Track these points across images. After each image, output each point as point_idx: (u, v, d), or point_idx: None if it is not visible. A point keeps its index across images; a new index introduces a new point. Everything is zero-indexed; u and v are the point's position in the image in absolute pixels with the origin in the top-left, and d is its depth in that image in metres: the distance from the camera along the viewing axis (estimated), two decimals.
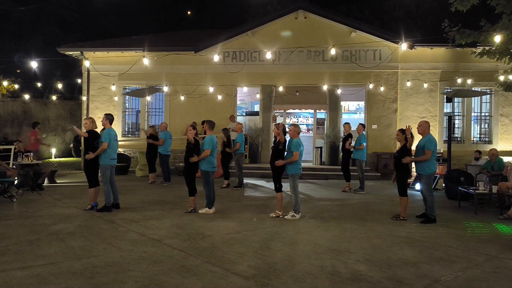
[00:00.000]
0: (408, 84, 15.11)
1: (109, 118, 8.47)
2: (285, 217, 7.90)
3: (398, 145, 8.30)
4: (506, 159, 13.00)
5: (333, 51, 12.48)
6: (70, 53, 16.70)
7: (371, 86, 15.30)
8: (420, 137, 8.03)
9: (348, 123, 11.66)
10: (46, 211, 8.37)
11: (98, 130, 8.62)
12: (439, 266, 5.24)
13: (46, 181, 12.10)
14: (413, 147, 8.10)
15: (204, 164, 8.19)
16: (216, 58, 13.74)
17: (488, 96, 15.43)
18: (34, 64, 10.40)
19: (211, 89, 15.51)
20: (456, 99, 15.67)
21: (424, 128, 7.95)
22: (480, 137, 15.84)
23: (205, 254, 5.63)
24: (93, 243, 6.09)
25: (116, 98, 16.31)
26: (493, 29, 10.70)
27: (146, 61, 13.96)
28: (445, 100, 15.41)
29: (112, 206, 8.34)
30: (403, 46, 12.94)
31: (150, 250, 5.75)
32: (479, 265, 5.31)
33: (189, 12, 35.66)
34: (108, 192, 8.23)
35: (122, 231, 6.79)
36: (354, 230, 7.07)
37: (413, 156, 8.18)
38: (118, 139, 15.63)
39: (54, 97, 18.31)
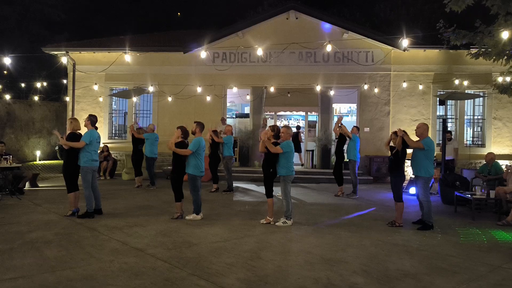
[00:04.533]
0: (404, 85, 14.85)
1: (91, 119, 8.07)
2: (276, 223, 7.55)
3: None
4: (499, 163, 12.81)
5: (329, 48, 12.09)
6: (55, 53, 16.21)
7: (363, 88, 15.05)
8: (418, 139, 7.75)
9: (343, 125, 11.29)
10: (24, 217, 7.92)
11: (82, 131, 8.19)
12: (441, 278, 4.91)
13: (27, 185, 11.61)
14: (409, 150, 7.79)
15: (191, 168, 7.79)
16: (205, 56, 13.34)
17: (481, 99, 15.27)
18: (7, 61, 9.91)
19: (200, 90, 15.14)
20: (449, 102, 15.50)
21: (422, 130, 7.66)
22: (473, 141, 15.66)
23: (191, 265, 5.25)
24: (70, 253, 5.67)
25: (101, 99, 15.85)
26: (489, 31, 10.48)
27: (133, 61, 13.59)
28: (437, 103, 15.23)
29: (94, 212, 7.91)
30: (401, 44, 12.66)
31: (131, 261, 5.35)
32: (483, 277, 4.99)
33: (178, 13, 35.32)
34: (89, 197, 7.80)
35: (103, 240, 6.37)
36: (348, 238, 6.73)
37: (409, 159, 7.90)
38: (108, 142, 15.46)
39: (36, 98, 17.74)
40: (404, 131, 7.67)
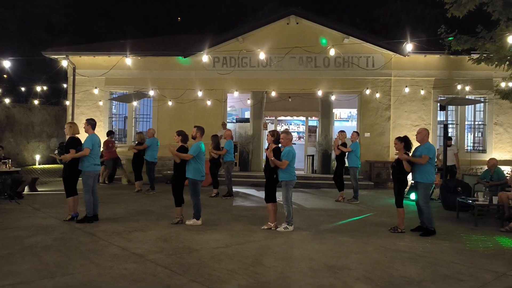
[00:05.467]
0: (406, 90, 14.80)
1: (91, 123, 7.99)
2: (278, 229, 7.47)
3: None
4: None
5: (332, 52, 12.06)
6: (55, 57, 16.17)
7: (364, 93, 15.02)
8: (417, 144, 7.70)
9: (344, 132, 11.26)
10: (23, 222, 7.84)
11: (81, 136, 8.12)
12: (445, 285, 4.84)
13: (26, 189, 11.53)
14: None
15: (191, 173, 7.72)
16: (206, 61, 13.31)
17: (482, 104, 15.24)
18: (7, 64, 9.87)
19: (200, 95, 15.09)
20: (449, 107, 15.44)
21: (423, 135, 7.62)
22: (473, 146, 15.62)
23: (192, 271, 5.18)
24: (70, 258, 5.59)
25: (100, 103, 15.80)
26: (490, 36, 10.46)
27: (133, 65, 13.56)
28: (438, 108, 15.18)
29: (93, 217, 7.83)
30: (404, 49, 12.66)
31: (131, 267, 5.27)
32: (489, 284, 4.92)
33: (179, 18, 35.37)
34: (89, 202, 7.72)
35: (102, 245, 6.30)
36: (351, 244, 6.66)
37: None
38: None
39: (36, 102, 17.67)
40: (405, 138, 7.61)
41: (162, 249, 6.15)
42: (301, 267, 5.44)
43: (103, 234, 6.96)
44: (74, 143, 7.82)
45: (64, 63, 15.18)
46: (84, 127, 8.01)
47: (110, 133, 14.39)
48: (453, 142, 15.30)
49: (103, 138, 15.58)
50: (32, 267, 5.21)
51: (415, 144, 7.76)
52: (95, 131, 8.11)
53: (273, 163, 7.37)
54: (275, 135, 7.57)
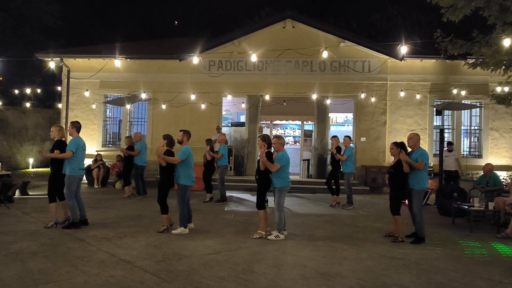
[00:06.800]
0: (402, 94, 14.73)
1: (75, 126, 7.79)
2: (268, 237, 7.21)
3: (392, 159, 7.77)
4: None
5: (325, 54, 11.93)
6: (49, 59, 16.02)
7: (359, 97, 14.94)
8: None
9: (336, 136, 11.16)
10: (11, 226, 7.68)
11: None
12: None
13: (17, 193, 11.36)
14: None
15: (182, 179, 7.50)
16: (198, 62, 13.21)
17: (478, 109, 15.19)
18: None
19: (195, 98, 14.97)
20: (445, 112, 15.40)
21: (415, 141, 7.50)
22: (469, 151, 15.57)
23: (181, 278, 5.04)
24: (55, 265, 5.44)
25: (93, 106, 15.65)
26: (486, 40, 10.41)
27: (128, 69, 13.44)
28: (434, 113, 15.13)
29: (80, 222, 7.66)
30: (399, 52, 12.61)
31: (118, 274, 5.13)
32: None
33: (176, 22, 35.31)
34: (73, 207, 7.53)
35: (90, 251, 6.15)
36: (344, 250, 6.54)
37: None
38: (101, 149, 15.25)
39: (28, 105, 17.52)
40: (401, 143, 7.49)
41: (152, 255, 6.01)
42: (293, 274, 5.31)
43: (92, 239, 6.81)
44: (61, 146, 7.65)
45: (52, 65, 15.03)
46: (68, 130, 7.83)
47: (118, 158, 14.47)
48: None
49: (96, 141, 15.52)
50: (16, 274, 5.06)
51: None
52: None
53: (264, 164, 7.17)
54: (266, 140, 7.37)
